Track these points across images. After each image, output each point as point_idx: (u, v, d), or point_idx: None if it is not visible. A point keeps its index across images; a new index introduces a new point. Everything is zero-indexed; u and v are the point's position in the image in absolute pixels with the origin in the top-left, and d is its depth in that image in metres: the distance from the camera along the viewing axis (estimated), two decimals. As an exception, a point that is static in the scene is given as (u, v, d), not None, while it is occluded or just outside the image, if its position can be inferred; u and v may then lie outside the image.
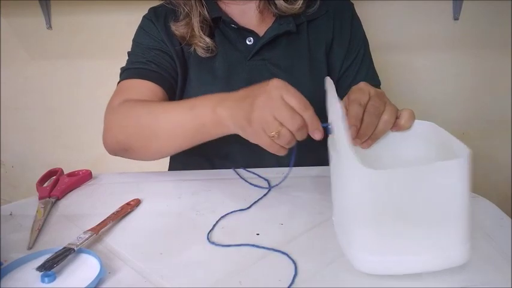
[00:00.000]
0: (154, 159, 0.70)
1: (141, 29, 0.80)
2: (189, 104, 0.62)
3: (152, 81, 0.74)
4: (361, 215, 0.40)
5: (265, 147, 0.53)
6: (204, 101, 0.60)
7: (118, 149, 0.70)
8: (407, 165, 0.39)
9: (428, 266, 0.40)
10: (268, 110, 0.49)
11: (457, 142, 0.43)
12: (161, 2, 0.82)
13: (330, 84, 0.49)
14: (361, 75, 0.80)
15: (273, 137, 0.50)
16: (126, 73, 0.77)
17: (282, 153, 0.52)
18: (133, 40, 0.81)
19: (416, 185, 0.38)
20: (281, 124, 0.49)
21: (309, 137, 0.52)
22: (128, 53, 0.80)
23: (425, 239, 0.39)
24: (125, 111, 0.68)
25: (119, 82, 0.77)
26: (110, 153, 0.72)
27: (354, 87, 0.55)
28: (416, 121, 0.51)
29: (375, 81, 0.82)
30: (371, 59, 0.84)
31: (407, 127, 0.51)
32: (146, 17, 0.81)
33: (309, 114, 0.49)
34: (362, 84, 0.55)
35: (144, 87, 0.74)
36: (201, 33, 0.75)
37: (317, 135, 0.51)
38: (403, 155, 0.52)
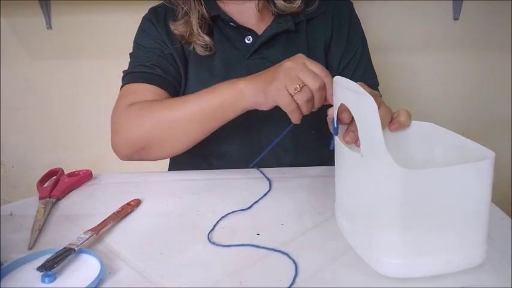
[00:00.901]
0: (169, 156, 0.72)
1: (142, 30, 0.80)
2: (209, 89, 0.66)
3: (157, 85, 0.74)
4: (391, 216, 0.39)
5: (283, 105, 0.58)
6: (225, 82, 0.64)
7: (133, 150, 0.69)
8: (422, 166, 0.38)
9: (450, 267, 0.40)
10: (293, 70, 0.56)
11: (470, 143, 0.43)
12: (161, 1, 0.82)
13: (346, 80, 0.46)
14: (358, 75, 0.80)
15: (295, 90, 0.55)
16: (130, 76, 0.76)
17: (296, 116, 0.58)
18: (135, 42, 0.81)
19: (447, 185, 0.38)
20: (303, 83, 0.56)
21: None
22: (130, 54, 0.80)
23: (450, 240, 0.39)
24: (138, 111, 0.69)
25: (122, 85, 0.76)
26: (122, 158, 0.71)
27: None
28: (415, 122, 0.51)
29: (373, 82, 0.82)
30: (369, 59, 0.84)
31: (407, 124, 0.51)
32: (146, 18, 0.81)
33: (329, 80, 0.56)
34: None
35: (150, 92, 0.73)
36: (200, 31, 0.75)
37: (332, 101, 0.54)
38: (409, 157, 0.51)
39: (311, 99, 0.57)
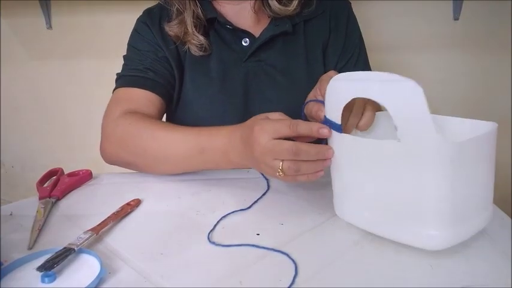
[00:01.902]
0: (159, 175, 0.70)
1: (136, 32, 0.79)
2: (198, 143, 0.62)
3: (150, 90, 0.74)
4: (443, 190, 0.41)
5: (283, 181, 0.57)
6: (213, 144, 0.61)
7: (118, 162, 0.70)
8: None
9: (479, 227, 0.45)
10: (267, 156, 0.51)
11: (466, 121, 0.50)
12: (158, 1, 0.81)
13: (372, 73, 0.46)
14: None
15: (279, 175, 0.51)
16: (123, 80, 0.76)
17: (299, 179, 0.52)
18: (129, 44, 0.80)
19: (477, 153, 0.43)
20: (282, 160, 0.50)
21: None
22: (124, 57, 0.79)
23: (477, 204, 0.44)
24: (126, 128, 0.68)
25: (115, 88, 0.76)
26: (107, 162, 0.72)
27: (325, 76, 0.56)
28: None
29: None
30: (367, 59, 0.84)
31: (366, 129, 0.54)
32: (141, 20, 0.80)
33: (300, 128, 0.50)
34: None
35: (142, 97, 0.73)
36: (194, 31, 0.75)
37: (323, 133, 0.50)
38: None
39: (299, 167, 0.50)
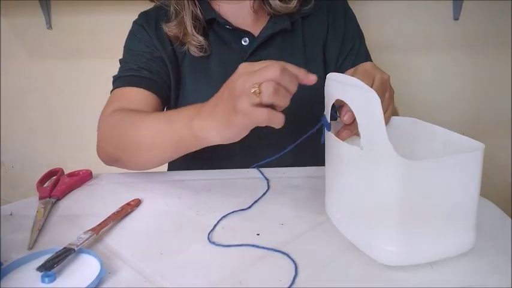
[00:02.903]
0: (145, 169, 0.69)
1: (132, 34, 0.80)
2: (167, 117, 0.60)
3: (144, 88, 0.74)
4: (393, 206, 0.40)
5: (260, 121, 0.47)
6: (181, 114, 0.58)
7: (109, 160, 0.70)
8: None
9: (446, 253, 0.42)
10: (242, 79, 0.46)
11: (456, 135, 0.45)
12: (157, 2, 0.81)
13: (344, 76, 0.47)
14: None
15: (256, 94, 0.44)
16: (118, 81, 0.76)
17: (277, 120, 0.47)
18: (125, 47, 0.80)
19: (444, 175, 0.40)
20: (259, 81, 0.45)
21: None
22: (120, 60, 0.79)
23: (445, 228, 0.41)
24: (112, 123, 0.68)
25: (111, 91, 0.76)
26: (105, 163, 0.72)
27: (360, 68, 0.53)
28: (397, 117, 0.53)
29: None
30: (367, 50, 0.84)
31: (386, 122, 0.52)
32: (137, 22, 0.80)
33: (282, 62, 0.46)
34: (368, 66, 0.53)
35: (137, 95, 0.73)
36: (194, 31, 0.75)
37: (311, 78, 0.47)
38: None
39: (278, 89, 0.45)
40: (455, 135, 0.45)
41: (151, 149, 0.62)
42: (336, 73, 0.49)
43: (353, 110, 0.45)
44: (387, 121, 0.52)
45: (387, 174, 0.40)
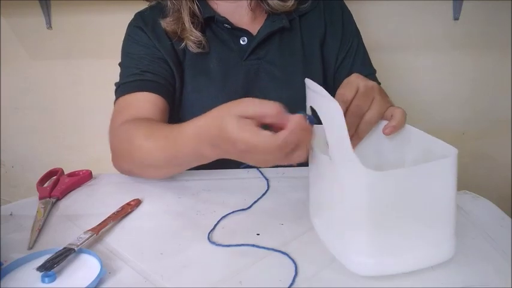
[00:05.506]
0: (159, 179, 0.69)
1: (130, 37, 0.78)
2: (171, 153, 0.57)
3: (150, 91, 0.72)
4: (360, 217, 0.40)
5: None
6: (191, 144, 0.53)
7: (123, 171, 0.70)
8: (394, 167, 0.39)
9: (421, 264, 0.41)
10: (255, 157, 0.45)
11: (437, 141, 0.44)
12: (154, 1, 0.80)
13: (313, 84, 0.47)
14: (357, 65, 0.81)
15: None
16: (122, 88, 0.74)
17: (297, 159, 0.45)
18: (123, 51, 0.79)
19: (411, 185, 0.39)
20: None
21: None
22: (119, 64, 0.78)
23: (419, 238, 0.40)
24: (122, 138, 0.67)
25: (116, 99, 0.75)
26: (120, 173, 0.71)
27: (344, 81, 0.53)
28: (384, 122, 0.52)
29: (370, 71, 0.83)
30: (365, 48, 0.84)
31: (400, 127, 0.51)
32: (133, 24, 0.79)
33: (276, 107, 0.44)
34: (353, 77, 0.53)
35: (143, 101, 0.72)
36: (192, 27, 0.74)
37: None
38: (383, 157, 0.53)
39: (295, 143, 0.44)
40: (436, 141, 0.44)
41: (161, 168, 0.63)
42: (310, 80, 0.49)
43: (321, 119, 0.45)
44: (400, 125, 0.50)
45: (353, 184, 0.39)
